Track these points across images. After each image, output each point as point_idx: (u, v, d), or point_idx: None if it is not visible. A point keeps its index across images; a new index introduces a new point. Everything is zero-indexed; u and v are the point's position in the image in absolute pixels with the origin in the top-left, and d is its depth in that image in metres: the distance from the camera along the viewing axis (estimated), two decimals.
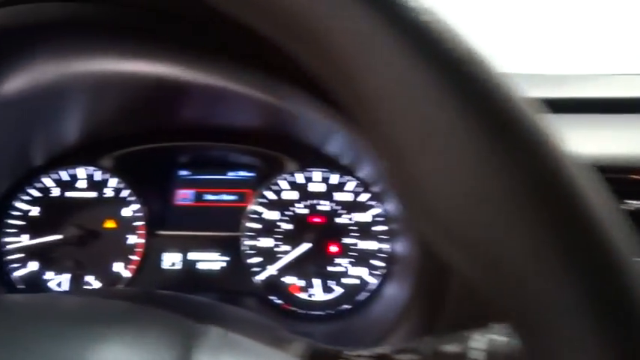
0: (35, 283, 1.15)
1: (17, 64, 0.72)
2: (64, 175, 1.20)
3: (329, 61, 0.23)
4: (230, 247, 1.17)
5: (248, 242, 1.17)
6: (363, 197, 1.17)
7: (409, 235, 1.05)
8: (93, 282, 1.15)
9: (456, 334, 0.46)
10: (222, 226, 1.20)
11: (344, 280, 1.15)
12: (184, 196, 1.25)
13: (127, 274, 1.16)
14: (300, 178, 1.20)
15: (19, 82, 0.78)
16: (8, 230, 1.16)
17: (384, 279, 1.13)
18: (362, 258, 1.15)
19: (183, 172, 1.27)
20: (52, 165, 1.19)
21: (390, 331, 0.99)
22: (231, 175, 1.27)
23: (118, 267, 1.16)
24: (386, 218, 1.15)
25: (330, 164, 1.18)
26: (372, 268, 1.14)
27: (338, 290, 1.15)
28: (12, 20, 0.57)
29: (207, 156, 1.29)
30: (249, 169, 1.26)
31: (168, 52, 0.68)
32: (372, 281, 1.14)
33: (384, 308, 1.09)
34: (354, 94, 0.23)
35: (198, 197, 1.25)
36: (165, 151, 1.25)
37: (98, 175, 1.20)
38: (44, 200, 1.18)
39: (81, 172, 1.20)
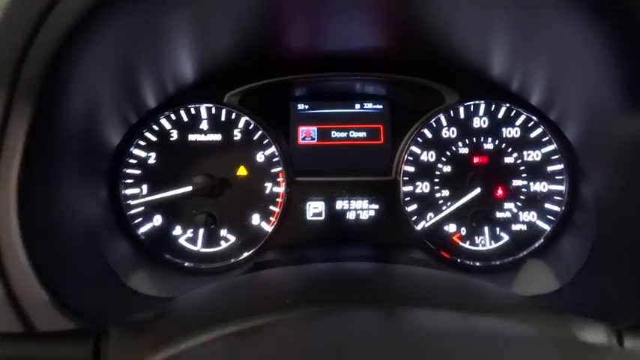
0: (163, 239, 1.00)
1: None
2: (184, 116, 1.02)
3: None
4: (382, 193, 1.03)
5: (404, 188, 1.02)
6: (535, 132, 1.01)
7: (595, 171, 0.91)
8: (228, 236, 1.01)
9: None
10: (366, 169, 1.05)
11: (513, 227, 1.02)
12: (307, 134, 1.08)
13: (267, 227, 1.01)
14: (461, 112, 1.03)
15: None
16: (127, 181, 0.99)
17: (560, 225, 1.00)
18: (533, 201, 1.01)
19: (302, 106, 1.09)
20: (169, 105, 1.00)
21: (560, 293, 0.87)
22: (357, 107, 1.09)
23: (256, 219, 1.02)
24: (561, 155, 1.00)
25: (496, 92, 1.01)
26: (545, 212, 1.01)
27: (505, 238, 1.02)
28: None
29: (328, 88, 1.10)
30: (377, 101, 1.09)
31: None
32: (545, 227, 1.01)
33: (557, 262, 0.97)
34: None
35: (323, 135, 1.08)
36: (287, 85, 1.07)
37: (223, 114, 1.02)
38: (163, 145, 1.01)
39: (203, 110, 1.02)
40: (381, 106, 1.08)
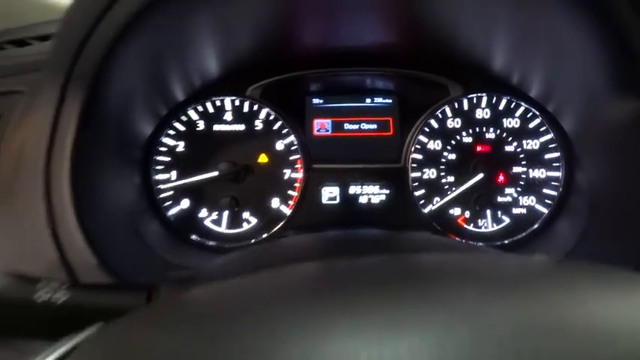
0: (190, 220, 1.09)
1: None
2: (210, 107, 1.11)
3: None
4: (392, 179, 1.11)
5: (412, 174, 1.10)
6: (533, 123, 1.10)
7: (589, 159, 0.99)
8: (250, 218, 1.10)
9: None
10: (377, 158, 1.13)
11: (514, 211, 1.10)
12: (322, 126, 1.17)
13: (285, 210, 1.10)
14: (465, 104, 1.11)
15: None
16: (157, 167, 1.09)
17: (557, 209, 1.08)
18: (531, 187, 1.09)
19: (317, 100, 1.17)
20: (196, 98, 1.10)
21: None
22: (368, 101, 1.18)
23: (276, 203, 1.10)
24: (558, 144, 1.08)
25: (498, 86, 1.09)
26: (543, 197, 1.09)
27: (507, 221, 1.10)
28: None
29: (340, 83, 1.19)
30: (387, 95, 1.17)
31: None
32: (543, 210, 1.09)
33: (554, 241, 1.05)
34: None
35: (337, 127, 1.16)
36: (302, 80, 1.16)
37: (246, 106, 1.11)
38: (191, 134, 1.10)
39: (227, 103, 1.11)
40: (390, 101, 1.17)
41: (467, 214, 1.10)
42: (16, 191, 0.76)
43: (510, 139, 1.10)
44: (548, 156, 1.08)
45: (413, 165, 1.10)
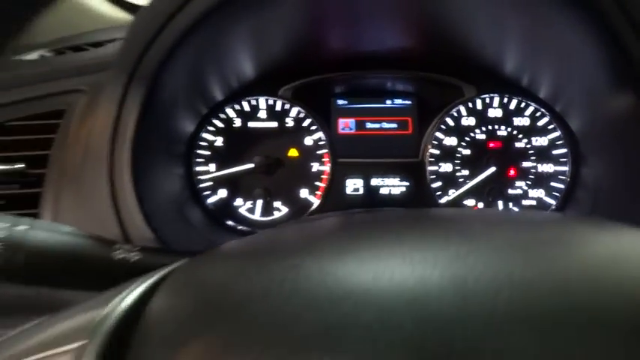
0: (227, 208, 1.20)
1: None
2: (246, 106, 1.23)
3: None
4: (411, 172, 1.21)
5: (430, 168, 1.20)
6: (542, 121, 1.19)
7: (594, 156, 1.07)
8: (281, 208, 1.21)
9: None
10: (397, 153, 1.23)
11: (524, 202, 1.19)
12: (346, 125, 1.27)
13: (313, 200, 1.21)
14: (478, 103, 1.21)
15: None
16: (198, 160, 1.20)
17: (564, 201, 1.17)
18: (540, 180, 1.18)
19: (341, 102, 1.28)
20: (233, 98, 1.21)
21: None
22: (388, 103, 1.28)
23: (304, 193, 1.21)
24: (565, 141, 1.17)
25: (509, 87, 1.19)
26: (550, 190, 1.18)
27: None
28: None
29: (363, 85, 1.29)
30: (406, 97, 1.27)
31: None
32: (551, 202, 1.18)
33: None
34: None
35: (360, 126, 1.27)
36: (329, 83, 1.27)
37: (278, 105, 1.22)
38: (228, 131, 1.22)
39: (262, 102, 1.23)
40: (409, 102, 1.27)
41: (480, 204, 1.19)
42: (83, 176, 0.88)
43: (520, 136, 1.19)
44: (555, 152, 1.17)
45: (430, 159, 1.20)
